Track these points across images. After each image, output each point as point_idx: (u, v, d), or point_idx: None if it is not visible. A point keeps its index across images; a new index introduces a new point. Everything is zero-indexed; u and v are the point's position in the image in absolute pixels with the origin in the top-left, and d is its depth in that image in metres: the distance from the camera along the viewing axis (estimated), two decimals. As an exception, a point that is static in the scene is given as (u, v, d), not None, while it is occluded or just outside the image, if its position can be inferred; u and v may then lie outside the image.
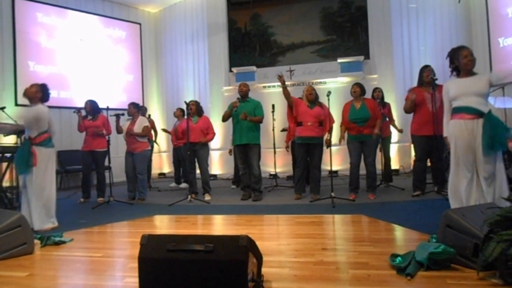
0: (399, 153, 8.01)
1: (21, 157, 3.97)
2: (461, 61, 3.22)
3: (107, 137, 5.94)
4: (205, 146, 6.05)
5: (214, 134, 6.12)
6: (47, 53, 8.23)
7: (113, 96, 9.18)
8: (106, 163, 6.18)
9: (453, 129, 3.18)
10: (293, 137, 5.86)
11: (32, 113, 4.09)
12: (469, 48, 3.25)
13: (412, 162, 6.06)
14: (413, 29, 8.40)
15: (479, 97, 3.08)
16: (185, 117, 5.91)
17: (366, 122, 5.10)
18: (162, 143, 9.41)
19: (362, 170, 5.28)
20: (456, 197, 3.17)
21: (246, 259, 1.92)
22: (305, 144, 5.34)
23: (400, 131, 6.60)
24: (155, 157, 9.14)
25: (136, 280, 2.04)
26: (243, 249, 1.93)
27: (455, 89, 3.19)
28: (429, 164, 5.33)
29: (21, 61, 7.78)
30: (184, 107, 6.08)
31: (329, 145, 5.26)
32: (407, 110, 5.18)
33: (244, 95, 5.71)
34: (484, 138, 2.99)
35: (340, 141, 5.36)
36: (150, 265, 1.99)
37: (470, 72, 3.23)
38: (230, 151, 7.56)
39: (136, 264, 2.03)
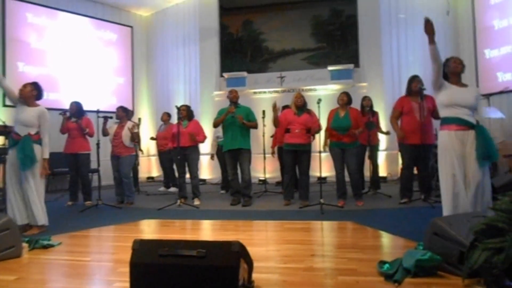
0: (387, 160, 8.11)
1: (25, 152, 3.95)
2: (450, 66, 3.33)
3: (96, 139, 5.92)
4: (195, 150, 6.05)
5: (205, 137, 6.13)
6: (36, 54, 8.16)
7: (103, 98, 9.10)
8: (94, 166, 6.14)
9: (444, 140, 3.21)
10: (280, 143, 5.90)
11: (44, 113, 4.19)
12: (459, 58, 3.38)
13: (399, 170, 6.14)
14: (402, 39, 8.54)
15: (468, 109, 3.17)
16: (171, 121, 5.89)
17: (347, 131, 5.18)
18: (151, 146, 9.36)
19: (348, 178, 5.35)
20: (449, 205, 3.19)
21: (237, 265, 1.94)
22: (293, 151, 5.39)
23: (387, 133, 6.57)
24: (143, 161, 9.11)
25: (126, 285, 2.04)
26: (235, 255, 1.96)
27: (448, 96, 3.23)
28: (416, 172, 5.42)
29: (10, 62, 7.70)
30: (173, 111, 6.08)
31: (315, 133, 5.34)
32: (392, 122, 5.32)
33: (236, 101, 5.74)
34: (478, 150, 3.05)
35: (324, 147, 5.45)
36: (142, 270, 2.00)
37: (459, 77, 3.32)
38: (212, 156, 7.56)
39: (125, 269, 2.04)
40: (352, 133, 5.14)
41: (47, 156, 4.14)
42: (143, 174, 9.36)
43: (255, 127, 5.76)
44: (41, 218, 4.02)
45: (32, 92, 4.15)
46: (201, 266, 1.94)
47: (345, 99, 5.33)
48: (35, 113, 4.12)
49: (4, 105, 7.31)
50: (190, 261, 1.95)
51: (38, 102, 4.24)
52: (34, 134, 4.08)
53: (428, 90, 5.02)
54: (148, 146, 9.61)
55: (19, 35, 7.89)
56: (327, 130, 5.41)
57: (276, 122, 5.51)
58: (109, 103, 8.99)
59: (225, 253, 1.96)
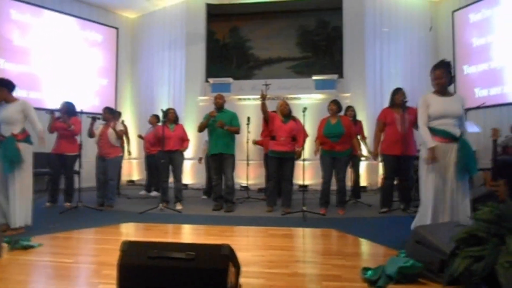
0: (367, 170, 8.25)
1: (7, 154, 3.87)
2: (432, 81, 3.42)
3: (79, 140, 5.83)
4: (181, 154, 6.04)
5: (189, 141, 6.15)
6: (19, 51, 8.01)
7: (86, 99, 8.98)
8: (76, 168, 6.04)
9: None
10: (266, 151, 5.92)
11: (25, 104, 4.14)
12: (441, 70, 3.36)
13: (379, 180, 6.26)
14: (385, 52, 8.76)
15: (456, 119, 3.27)
16: (160, 124, 5.89)
17: (339, 138, 5.24)
18: (133, 150, 9.27)
19: (333, 186, 5.42)
20: (425, 213, 3.28)
21: (226, 268, 1.96)
22: (277, 158, 5.44)
23: (368, 154, 6.51)
24: (125, 164, 8.99)
25: (111, 287, 2.03)
26: (224, 258, 1.97)
27: (436, 107, 3.31)
28: (396, 182, 5.54)
29: (-10, 58, 7.54)
30: (159, 113, 6.06)
31: (299, 157, 5.38)
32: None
33: (219, 107, 5.76)
34: (459, 163, 3.17)
35: (315, 153, 5.43)
36: (131, 271, 1.99)
37: (444, 91, 3.38)
38: (200, 160, 7.57)
39: (109, 271, 2.04)
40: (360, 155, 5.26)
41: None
42: (123, 177, 9.25)
43: (237, 132, 5.77)
44: (19, 219, 3.94)
45: (2, 93, 4.05)
46: (191, 269, 1.95)
47: (334, 108, 5.40)
48: (17, 108, 4.05)
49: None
50: (179, 264, 1.96)
51: (18, 96, 4.18)
52: (19, 133, 4.01)
53: (410, 102, 5.20)
54: (130, 148, 9.49)
55: (2, 31, 7.74)
56: (318, 139, 5.44)
57: (264, 108, 5.42)
58: (91, 104, 8.90)
59: (215, 256, 1.98)
